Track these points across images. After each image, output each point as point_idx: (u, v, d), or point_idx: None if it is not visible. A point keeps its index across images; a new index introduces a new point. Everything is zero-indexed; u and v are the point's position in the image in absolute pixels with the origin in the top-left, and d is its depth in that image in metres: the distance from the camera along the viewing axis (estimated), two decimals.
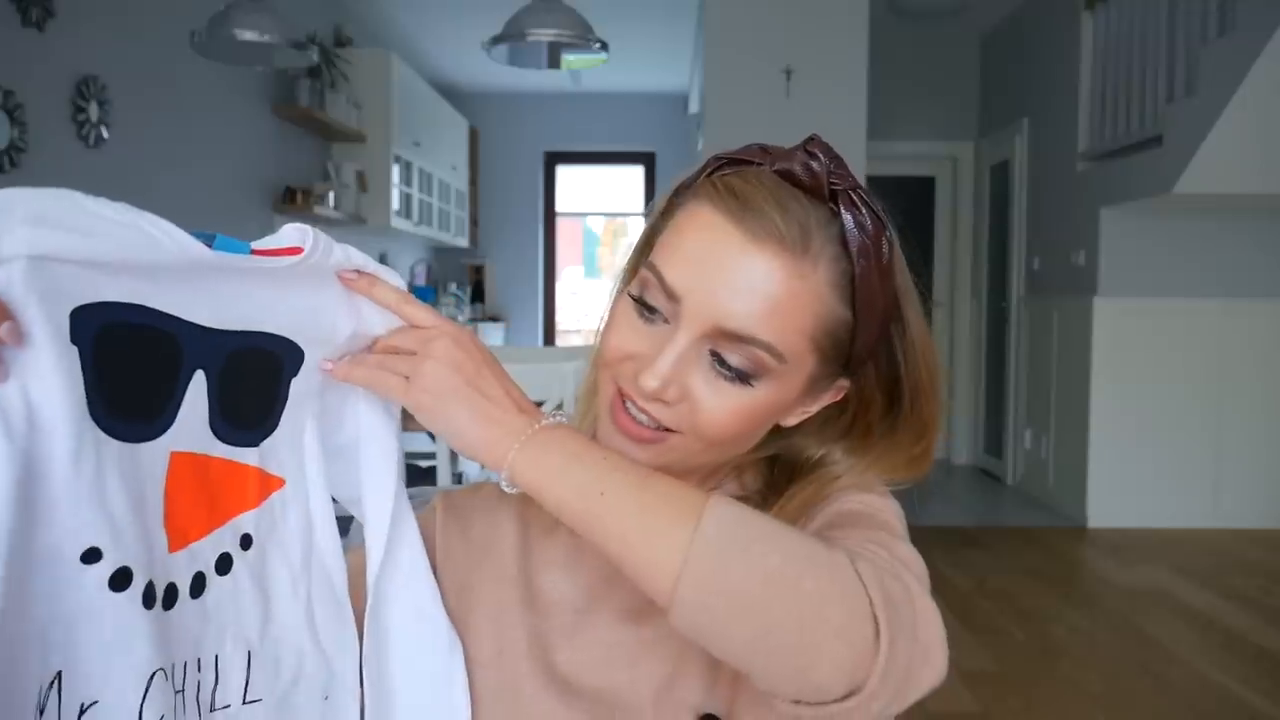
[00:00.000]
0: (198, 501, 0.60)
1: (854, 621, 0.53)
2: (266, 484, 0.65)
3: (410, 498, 1.14)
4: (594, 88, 7.73)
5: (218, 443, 0.62)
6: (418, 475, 2.71)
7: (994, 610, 3.49)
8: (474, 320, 7.59)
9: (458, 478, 2.34)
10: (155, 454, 0.57)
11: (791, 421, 0.71)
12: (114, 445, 0.54)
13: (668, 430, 0.66)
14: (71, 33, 3.34)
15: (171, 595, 0.58)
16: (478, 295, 8.11)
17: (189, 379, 0.59)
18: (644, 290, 0.66)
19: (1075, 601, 3.70)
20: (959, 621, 3.35)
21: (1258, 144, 3.75)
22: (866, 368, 0.71)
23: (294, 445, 0.66)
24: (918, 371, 0.72)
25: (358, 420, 0.69)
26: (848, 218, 0.64)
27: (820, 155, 0.65)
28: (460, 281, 8.13)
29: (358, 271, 0.66)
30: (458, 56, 7.08)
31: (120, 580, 0.53)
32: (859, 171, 4.47)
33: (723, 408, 0.65)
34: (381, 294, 0.67)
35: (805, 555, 0.55)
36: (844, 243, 0.64)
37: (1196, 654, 3.10)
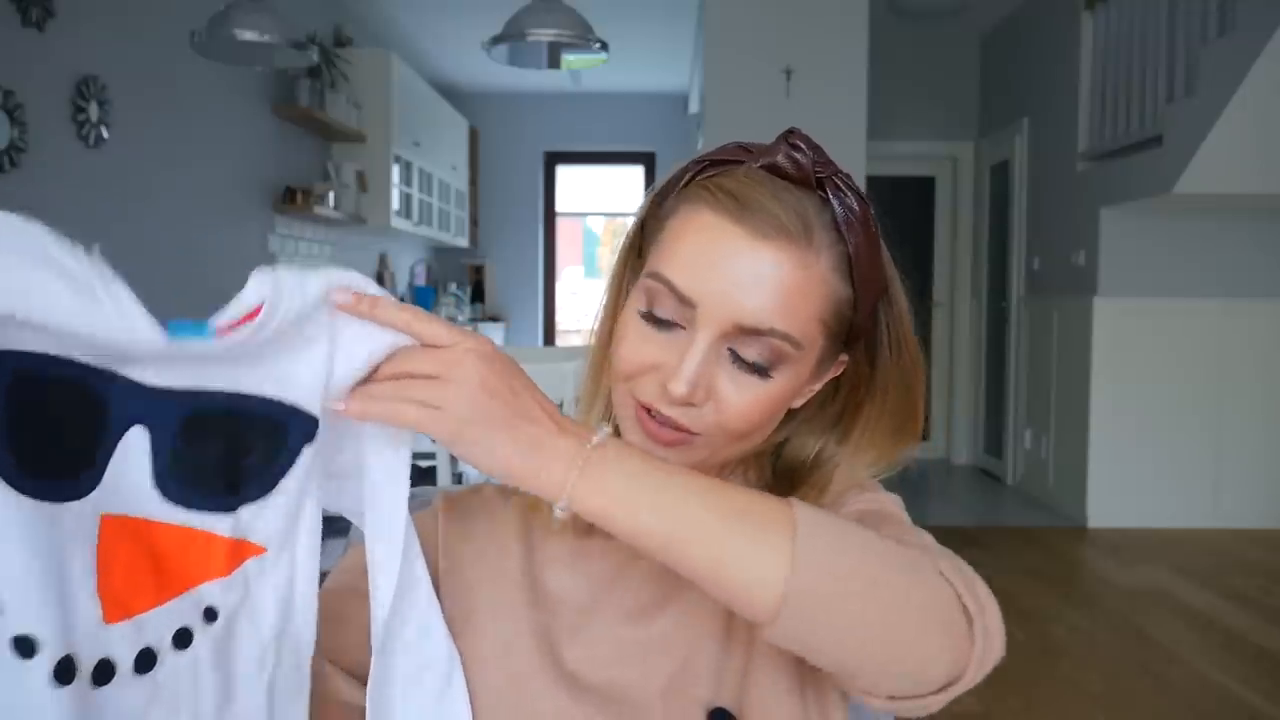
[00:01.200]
0: (140, 569, 0.55)
1: (951, 615, 0.55)
2: (239, 551, 0.58)
3: (410, 497, 1.14)
4: (594, 88, 7.73)
5: (172, 507, 0.56)
6: (418, 475, 2.71)
7: None
8: (474, 320, 7.59)
9: (458, 478, 2.34)
10: (83, 516, 0.52)
11: (800, 402, 0.73)
12: (16, 500, 0.49)
13: (694, 434, 0.67)
14: (71, 33, 3.34)
15: (105, 671, 0.53)
16: (478, 295, 8.11)
17: (118, 436, 0.53)
18: (653, 300, 0.67)
19: (1075, 601, 3.71)
20: None
21: (1258, 144, 3.75)
22: (859, 343, 0.73)
23: (289, 513, 0.60)
24: (903, 340, 0.74)
25: (360, 446, 0.63)
26: (836, 202, 0.66)
27: (802, 146, 0.67)
28: (460, 281, 8.13)
29: (354, 296, 0.59)
30: (458, 56, 7.08)
31: (24, 648, 0.49)
32: (859, 171, 4.49)
33: (747, 400, 0.66)
34: (386, 314, 0.59)
35: (892, 553, 0.57)
36: (837, 226, 0.66)
37: (1196, 654, 3.10)
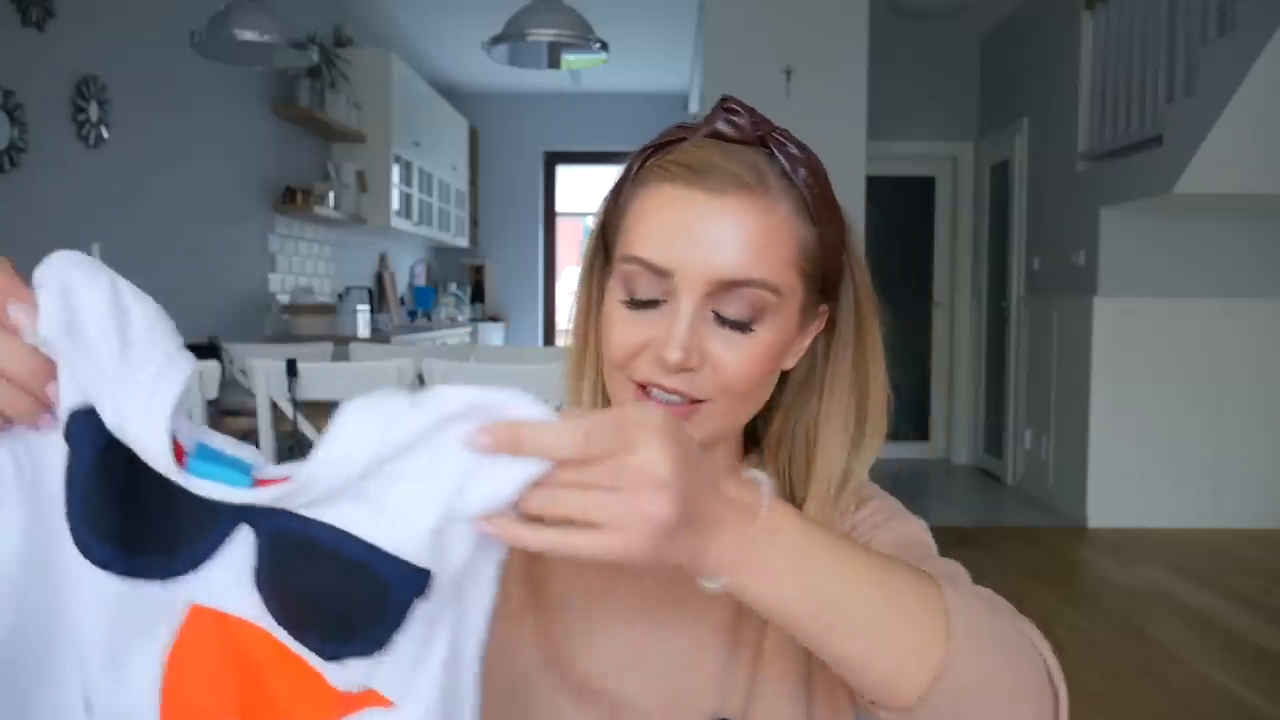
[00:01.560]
0: (224, 682, 0.47)
1: (1044, 693, 0.57)
2: (352, 702, 0.49)
3: None
4: (594, 88, 7.73)
5: (275, 625, 0.49)
6: None
7: None
8: (474, 320, 7.59)
9: None
10: (164, 601, 0.47)
11: (790, 362, 0.73)
12: (91, 572, 0.45)
13: (697, 401, 0.68)
14: (71, 33, 3.34)
15: None
16: (478, 295, 8.12)
17: (230, 527, 0.47)
18: (630, 284, 0.68)
19: (1075, 601, 3.70)
20: None
21: (1258, 144, 3.75)
22: (833, 293, 0.74)
23: (413, 668, 0.50)
24: (859, 293, 0.75)
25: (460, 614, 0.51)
26: (781, 154, 0.68)
27: (739, 109, 0.69)
28: (460, 281, 8.14)
29: (495, 433, 0.46)
30: (458, 56, 7.08)
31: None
32: (859, 171, 4.49)
33: (742, 356, 0.67)
34: (540, 443, 0.46)
35: (1010, 633, 0.58)
36: (786, 174, 0.68)
37: (1196, 654, 3.10)
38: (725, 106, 0.70)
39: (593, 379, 0.75)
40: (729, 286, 0.66)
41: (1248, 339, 4.67)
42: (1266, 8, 3.56)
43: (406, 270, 7.47)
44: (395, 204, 5.99)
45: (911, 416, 6.59)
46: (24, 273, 0.46)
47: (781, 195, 0.68)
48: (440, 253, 8.27)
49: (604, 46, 3.14)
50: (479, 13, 5.69)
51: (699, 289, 0.66)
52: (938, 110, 6.38)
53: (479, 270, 8.18)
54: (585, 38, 3.08)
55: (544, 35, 3.05)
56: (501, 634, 0.72)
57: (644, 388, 0.68)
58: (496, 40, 3.11)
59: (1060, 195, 5.15)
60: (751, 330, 0.67)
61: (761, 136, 0.69)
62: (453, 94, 7.69)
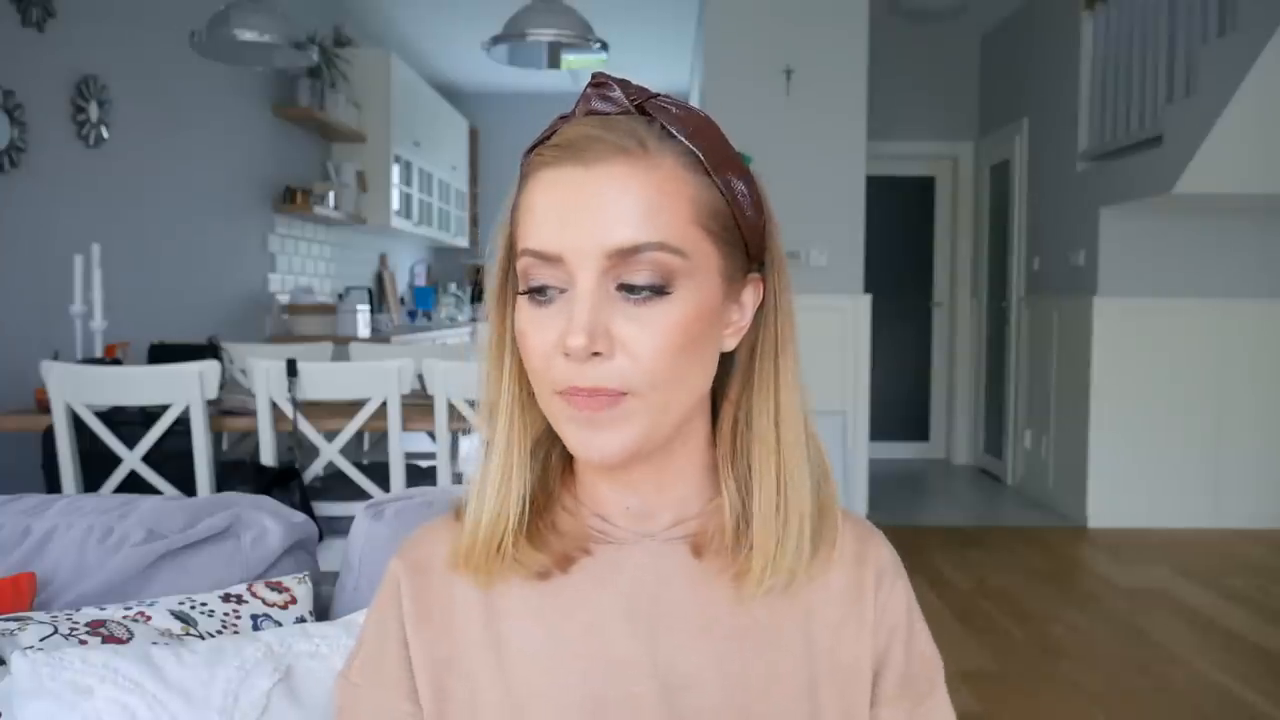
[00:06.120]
0: None
1: None
2: None
3: (409, 498, 1.14)
4: None
5: None
6: (418, 475, 2.71)
7: (994, 610, 3.49)
8: (474, 320, 7.59)
9: (458, 478, 2.34)
10: None
11: (731, 343, 0.68)
12: None
13: (621, 394, 0.61)
14: (71, 33, 3.34)
15: None
16: (478, 295, 8.12)
17: None
18: (528, 281, 0.63)
19: (1075, 601, 3.70)
20: (959, 621, 3.35)
21: (1258, 144, 3.75)
22: (764, 261, 0.68)
23: None
24: (775, 248, 0.69)
25: None
26: (661, 117, 0.64)
27: (611, 82, 0.65)
28: (460, 281, 8.14)
29: None
30: (458, 56, 7.09)
31: None
32: (859, 171, 4.49)
33: (653, 333, 0.61)
34: None
35: None
36: (668, 132, 0.63)
37: (1196, 654, 3.10)
38: (597, 83, 0.65)
39: (508, 406, 0.69)
40: (625, 256, 0.60)
41: (1248, 339, 4.67)
42: (1266, 8, 3.56)
43: (406, 270, 7.47)
44: (395, 204, 5.99)
45: (911, 416, 6.59)
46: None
47: (667, 153, 0.62)
48: (440, 253, 8.27)
49: (604, 46, 3.14)
50: (479, 13, 5.70)
51: (594, 264, 0.60)
52: (938, 110, 6.38)
53: (479, 270, 8.15)
54: (585, 38, 3.08)
55: (544, 35, 3.06)
56: (469, 695, 0.68)
57: (572, 396, 0.62)
58: (496, 40, 3.12)
59: (1060, 195, 5.15)
60: (660, 299, 0.61)
61: (640, 105, 0.64)
62: (453, 94, 7.69)
